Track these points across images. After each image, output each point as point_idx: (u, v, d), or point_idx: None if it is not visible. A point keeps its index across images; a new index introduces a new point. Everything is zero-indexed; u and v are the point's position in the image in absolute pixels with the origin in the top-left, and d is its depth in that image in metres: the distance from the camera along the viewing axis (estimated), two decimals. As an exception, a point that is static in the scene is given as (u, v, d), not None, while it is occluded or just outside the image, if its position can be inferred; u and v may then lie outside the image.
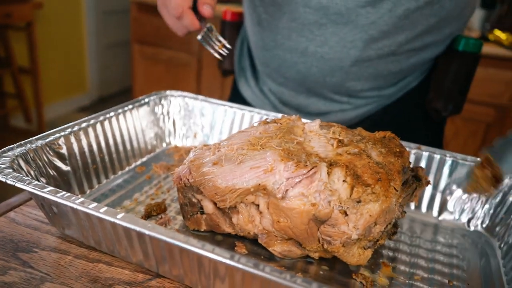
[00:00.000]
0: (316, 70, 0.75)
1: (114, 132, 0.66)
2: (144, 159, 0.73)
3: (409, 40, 0.72)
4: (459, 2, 0.73)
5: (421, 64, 0.79)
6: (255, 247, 0.54)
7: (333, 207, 0.47)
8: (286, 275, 0.36)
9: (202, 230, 0.54)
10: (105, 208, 0.42)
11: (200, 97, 0.78)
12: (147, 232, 0.40)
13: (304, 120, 0.61)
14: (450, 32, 0.77)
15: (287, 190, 0.47)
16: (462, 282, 0.53)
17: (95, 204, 0.43)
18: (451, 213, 0.68)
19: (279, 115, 0.72)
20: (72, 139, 0.58)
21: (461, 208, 0.67)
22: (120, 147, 0.67)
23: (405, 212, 0.61)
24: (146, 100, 0.73)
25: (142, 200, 0.61)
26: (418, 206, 0.69)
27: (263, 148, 0.51)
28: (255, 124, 0.60)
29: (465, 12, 0.77)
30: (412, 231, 0.63)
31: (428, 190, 0.69)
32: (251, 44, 0.86)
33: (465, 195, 0.67)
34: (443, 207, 0.68)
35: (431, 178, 0.68)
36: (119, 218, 0.41)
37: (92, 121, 0.62)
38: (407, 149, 0.69)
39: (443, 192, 0.68)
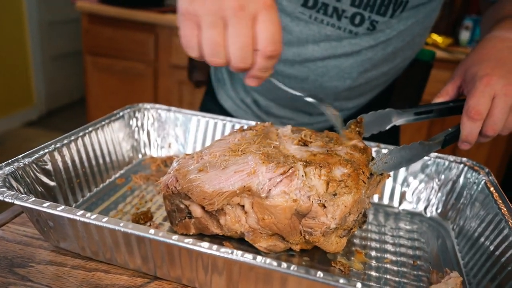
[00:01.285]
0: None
1: (94, 146, 0.68)
2: (123, 171, 0.75)
3: (391, 69, 0.84)
4: (427, 29, 0.84)
5: (394, 78, 0.92)
6: (241, 245, 0.59)
7: (312, 201, 0.52)
8: (282, 264, 0.41)
9: (191, 233, 0.58)
10: (106, 218, 0.45)
11: (173, 108, 0.82)
12: (150, 236, 0.44)
13: (276, 126, 0.67)
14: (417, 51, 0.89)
15: (270, 189, 0.53)
16: (425, 261, 0.61)
17: (96, 215, 0.46)
18: (410, 202, 0.76)
19: (252, 123, 0.77)
20: (57, 155, 0.61)
21: (417, 197, 0.76)
22: (100, 160, 0.69)
23: (371, 204, 0.68)
24: (121, 113, 0.76)
25: (127, 210, 0.64)
26: (381, 198, 0.76)
27: (243, 153, 0.56)
28: (232, 132, 0.64)
29: (429, 31, 0.88)
30: (378, 221, 0.70)
31: (389, 183, 0.76)
32: None
33: (421, 186, 0.75)
34: (402, 198, 0.76)
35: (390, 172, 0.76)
36: (122, 226, 0.44)
37: (73, 137, 0.64)
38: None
39: (402, 184, 0.76)
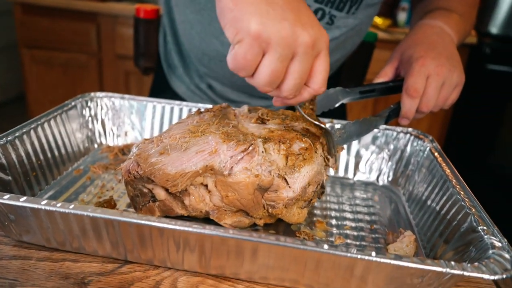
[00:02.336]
0: None
1: (48, 138, 0.67)
2: (80, 161, 0.75)
3: (342, 56, 0.89)
4: (372, 17, 0.89)
5: (344, 61, 0.97)
6: (207, 224, 0.61)
7: (273, 175, 0.55)
8: (253, 233, 0.44)
9: (156, 216, 0.59)
10: (72, 204, 0.46)
11: (127, 96, 0.81)
12: (121, 219, 0.45)
13: (233, 107, 0.69)
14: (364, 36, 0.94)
15: (232, 167, 0.55)
16: (381, 225, 0.66)
17: (61, 203, 0.46)
18: (363, 173, 0.81)
19: (209, 106, 0.79)
20: (10, 148, 0.59)
21: (370, 168, 0.81)
22: (56, 152, 0.69)
23: (329, 176, 0.72)
24: (73, 103, 0.75)
25: (89, 200, 0.64)
26: (337, 171, 0.80)
27: (203, 134, 0.58)
28: (189, 115, 0.66)
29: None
30: (335, 192, 0.75)
31: (343, 157, 0.81)
32: (193, 51, 0.88)
33: (373, 157, 0.80)
34: (356, 169, 0.81)
35: (344, 146, 0.80)
36: (90, 211, 0.45)
37: (25, 129, 0.63)
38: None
39: (355, 156, 0.81)
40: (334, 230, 0.63)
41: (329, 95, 0.67)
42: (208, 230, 0.44)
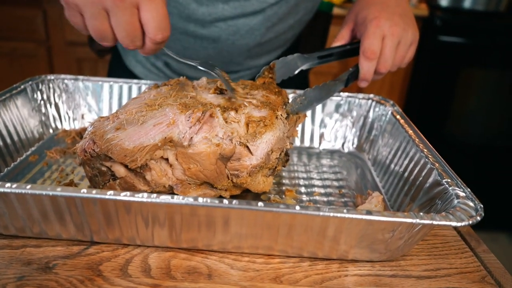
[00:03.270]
0: (226, 54, 0.83)
1: (-3, 124, 0.64)
2: (34, 147, 0.72)
3: (296, 22, 0.86)
4: None
5: (299, 31, 0.95)
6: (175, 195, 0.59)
7: (235, 143, 0.54)
8: (224, 200, 0.44)
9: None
10: (30, 185, 0.44)
11: (81, 77, 0.78)
12: (83, 195, 0.43)
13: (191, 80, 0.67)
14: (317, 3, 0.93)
15: (191, 137, 0.54)
16: (349, 189, 0.66)
17: (16, 184, 0.44)
18: (329, 141, 0.81)
19: (167, 82, 0.77)
20: (-45, 136, 0.56)
21: (335, 136, 0.81)
22: (8, 139, 0.65)
23: (292, 144, 0.72)
24: (22, 87, 0.72)
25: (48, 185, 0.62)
26: (302, 141, 0.80)
27: (161, 106, 0.56)
28: (146, 90, 0.64)
29: None
30: (302, 161, 0.75)
31: (308, 126, 0.81)
32: None
33: (337, 125, 0.81)
34: (321, 138, 0.81)
35: (308, 114, 0.80)
36: (50, 190, 0.43)
37: (-29, 116, 0.60)
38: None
39: (320, 125, 0.81)
40: (304, 197, 0.63)
41: (287, 62, 0.67)
42: (177, 200, 0.43)
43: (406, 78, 2.26)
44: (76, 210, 0.46)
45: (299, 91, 0.80)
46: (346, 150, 0.80)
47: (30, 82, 0.74)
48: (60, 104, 0.78)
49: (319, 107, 0.81)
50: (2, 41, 2.25)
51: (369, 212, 0.44)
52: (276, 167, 0.60)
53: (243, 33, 0.81)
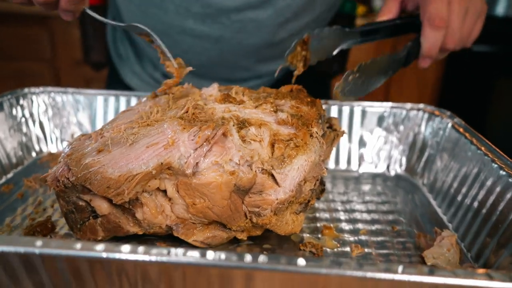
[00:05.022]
0: (230, 56, 0.72)
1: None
2: (10, 175, 0.59)
3: (312, 20, 0.75)
4: None
5: None
6: (172, 243, 0.46)
7: (255, 170, 0.40)
8: (246, 256, 0.30)
9: (100, 238, 0.44)
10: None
11: (70, 89, 0.66)
12: (38, 251, 0.30)
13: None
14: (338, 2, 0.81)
15: (197, 162, 0.40)
16: (404, 224, 0.52)
17: None
18: (370, 163, 0.67)
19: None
20: None
21: (378, 156, 0.67)
22: (-26, 165, 0.53)
23: (327, 169, 0.57)
24: (-1, 101, 0.60)
25: (18, 224, 0.49)
26: (336, 162, 0.66)
27: (157, 122, 0.43)
28: (143, 100, 0.51)
29: None
30: (339, 188, 0.60)
31: (344, 144, 0.67)
32: None
33: (380, 143, 0.67)
34: (361, 159, 0.67)
35: (344, 129, 0.66)
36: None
37: None
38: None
39: (358, 144, 0.67)
40: (347, 237, 0.49)
41: (324, 36, 0.54)
42: (174, 256, 0.29)
43: (436, 90, 2.11)
44: (33, 268, 0.32)
45: (332, 102, 0.67)
46: (392, 173, 0.66)
47: (8, 96, 0.62)
48: (45, 122, 0.66)
49: (357, 120, 0.67)
50: (8, 62, 2.19)
51: (466, 274, 0.29)
52: (309, 201, 0.46)
53: (250, 30, 0.70)
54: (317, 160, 0.43)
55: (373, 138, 0.67)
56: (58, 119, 0.66)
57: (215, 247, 0.45)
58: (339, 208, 0.55)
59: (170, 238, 0.46)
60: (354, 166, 0.67)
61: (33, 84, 2.18)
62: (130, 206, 0.42)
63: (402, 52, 0.56)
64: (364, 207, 0.55)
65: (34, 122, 0.65)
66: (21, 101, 0.63)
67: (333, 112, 0.67)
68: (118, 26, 0.51)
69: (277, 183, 0.41)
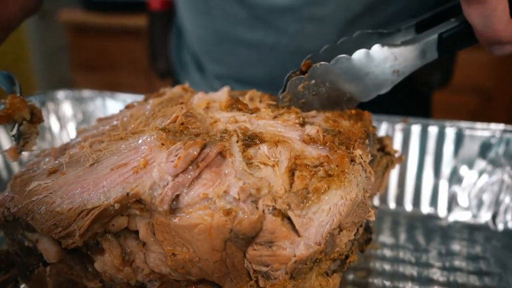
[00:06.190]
0: (290, 66, 0.63)
1: None
2: None
3: (398, 12, 0.64)
4: None
5: None
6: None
7: (263, 210, 0.27)
8: None
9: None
10: None
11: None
12: None
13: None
14: None
15: (177, 195, 0.29)
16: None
17: None
18: (466, 208, 0.53)
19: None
20: None
21: (478, 200, 0.53)
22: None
23: (377, 208, 0.43)
24: None
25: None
26: (416, 202, 0.54)
27: (133, 134, 0.32)
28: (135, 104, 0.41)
29: None
30: (413, 242, 0.47)
31: (428, 178, 0.54)
32: (193, 38, 0.76)
33: (483, 181, 0.55)
34: (452, 202, 0.55)
35: (428, 159, 0.55)
36: None
37: None
38: (387, 123, 0.54)
39: (450, 180, 0.54)
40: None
41: (351, 44, 0.42)
42: None
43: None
44: None
45: (412, 120, 0.54)
46: (500, 227, 0.51)
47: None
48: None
49: (449, 146, 0.53)
50: (107, 74, 2.35)
51: None
52: (347, 258, 0.32)
53: (310, 32, 0.63)
54: (360, 197, 0.29)
55: (472, 174, 0.54)
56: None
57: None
58: (408, 272, 0.42)
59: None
60: (441, 211, 0.54)
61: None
62: (89, 252, 0.31)
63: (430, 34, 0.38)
64: (449, 277, 0.40)
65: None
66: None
67: (414, 135, 0.52)
68: None
69: (296, 231, 0.28)
